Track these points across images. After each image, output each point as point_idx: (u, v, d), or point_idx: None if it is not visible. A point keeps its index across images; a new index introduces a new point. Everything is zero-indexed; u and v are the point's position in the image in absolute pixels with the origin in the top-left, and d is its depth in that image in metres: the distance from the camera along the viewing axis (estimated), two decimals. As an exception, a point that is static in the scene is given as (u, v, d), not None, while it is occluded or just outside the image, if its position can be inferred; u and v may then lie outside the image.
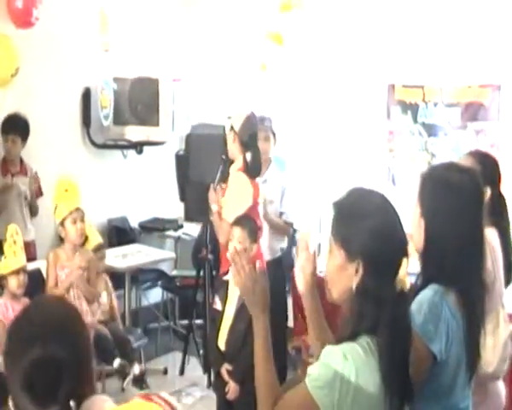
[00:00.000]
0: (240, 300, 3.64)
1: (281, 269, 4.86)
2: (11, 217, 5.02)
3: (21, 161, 5.25)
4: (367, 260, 1.75)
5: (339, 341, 1.75)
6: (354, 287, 1.76)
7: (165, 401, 1.46)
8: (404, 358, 1.75)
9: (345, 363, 1.66)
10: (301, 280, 2.05)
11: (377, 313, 1.71)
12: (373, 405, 1.69)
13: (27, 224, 5.19)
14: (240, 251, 1.95)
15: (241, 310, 3.60)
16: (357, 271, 1.75)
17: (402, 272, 1.72)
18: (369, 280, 1.74)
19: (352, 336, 1.72)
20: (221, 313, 3.73)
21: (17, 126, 5.13)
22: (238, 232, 3.73)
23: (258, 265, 1.97)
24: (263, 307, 1.91)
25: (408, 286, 1.75)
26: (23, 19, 5.12)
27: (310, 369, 1.72)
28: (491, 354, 2.75)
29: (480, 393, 2.68)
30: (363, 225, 1.75)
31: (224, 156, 4.50)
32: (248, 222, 3.88)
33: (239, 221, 3.86)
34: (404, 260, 1.73)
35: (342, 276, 1.80)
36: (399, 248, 1.76)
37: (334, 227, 1.83)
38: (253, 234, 3.81)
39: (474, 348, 2.12)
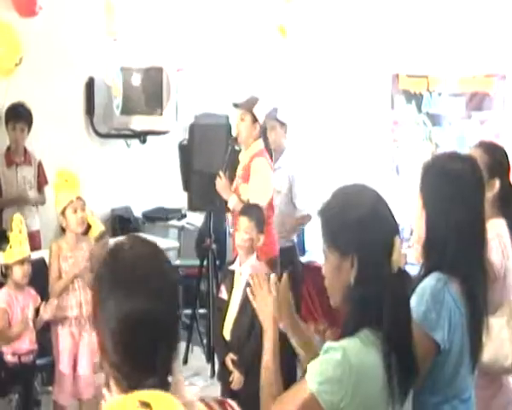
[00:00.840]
0: (245, 291, 3.63)
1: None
2: (18, 209, 4.98)
3: (25, 150, 5.24)
4: (359, 251, 1.75)
5: (342, 335, 1.74)
6: (352, 280, 1.76)
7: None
8: (406, 344, 1.75)
9: (345, 357, 1.65)
10: (278, 317, 2.02)
11: (379, 296, 1.71)
12: (375, 397, 1.69)
13: (32, 213, 5.19)
14: (258, 274, 2.03)
15: (247, 301, 3.58)
16: (352, 265, 1.75)
17: (396, 250, 1.72)
18: (366, 269, 1.74)
19: (353, 332, 1.72)
20: (227, 303, 3.71)
21: (23, 115, 5.13)
22: (245, 222, 3.71)
23: (272, 278, 2.01)
24: (273, 320, 1.95)
25: (404, 263, 1.75)
26: (27, 7, 5.12)
27: (310, 365, 1.71)
28: (507, 348, 2.74)
29: (492, 387, 2.68)
30: (348, 218, 1.76)
31: (230, 143, 4.47)
32: (256, 212, 3.85)
33: (246, 211, 3.83)
34: (396, 237, 1.73)
35: (340, 276, 1.79)
36: (389, 229, 1.76)
37: (323, 233, 1.84)
38: (261, 224, 3.79)
39: (477, 336, 2.12)
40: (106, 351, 1.32)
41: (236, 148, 6.22)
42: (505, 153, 3.05)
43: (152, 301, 1.29)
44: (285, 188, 4.98)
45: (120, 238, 1.43)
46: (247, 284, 3.51)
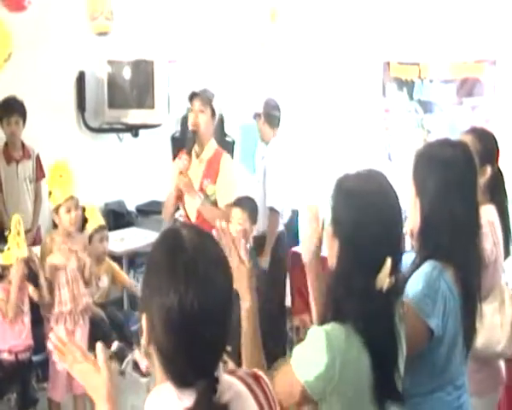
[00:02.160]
0: None
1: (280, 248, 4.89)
2: (18, 202, 5.12)
3: (23, 144, 5.23)
4: (344, 242, 1.75)
5: (321, 322, 1.75)
6: (330, 266, 1.77)
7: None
8: (383, 351, 1.72)
9: (329, 343, 1.65)
10: (306, 250, 2.08)
11: (347, 303, 1.70)
12: (361, 382, 1.69)
13: (30, 211, 5.23)
14: (225, 230, 1.89)
15: None
16: (336, 251, 1.77)
17: (384, 271, 1.68)
18: (344, 265, 1.74)
19: (333, 319, 1.71)
20: None
21: (16, 108, 5.10)
22: (238, 214, 3.70)
23: (242, 243, 1.91)
24: (248, 285, 1.87)
25: (387, 287, 1.69)
26: (16, 3, 5.10)
27: (295, 350, 1.72)
28: (499, 333, 2.76)
29: (483, 370, 2.70)
30: (354, 209, 1.74)
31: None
32: (249, 203, 3.85)
33: (239, 202, 3.82)
34: (389, 260, 1.69)
35: (330, 250, 1.81)
36: (386, 248, 1.71)
37: (331, 202, 1.82)
38: (254, 215, 3.79)
39: (471, 323, 2.13)
40: (154, 336, 1.30)
41: (228, 139, 6.25)
42: (495, 139, 3.06)
43: (211, 295, 1.27)
44: (262, 177, 5.05)
45: (174, 226, 1.40)
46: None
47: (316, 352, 1.66)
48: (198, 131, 4.11)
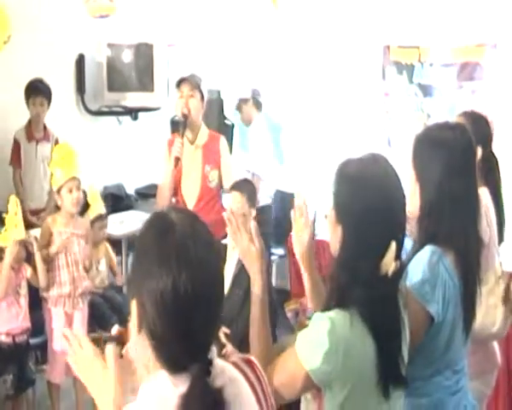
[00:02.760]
0: (238, 264, 3.64)
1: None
2: (34, 181, 5.27)
3: (45, 127, 5.35)
4: (348, 228, 1.74)
5: (325, 308, 1.74)
6: (333, 252, 1.77)
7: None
8: (388, 336, 1.72)
9: (332, 329, 1.65)
10: (298, 246, 2.06)
11: (352, 289, 1.69)
12: (365, 369, 1.69)
13: (45, 192, 5.29)
14: (235, 212, 1.93)
15: (239, 274, 3.60)
16: (339, 236, 1.75)
17: (389, 255, 1.68)
18: (348, 251, 1.74)
19: (337, 305, 1.71)
20: None
21: (42, 90, 5.23)
22: (237, 197, 3.70)
23: (252, 225, 1.92)
24: (259, 268, 1.88)
25: (392, 270, 1.69)
26: (15, -16, 5.07)
27: (299, 335, 1.72)
28: (494, 314, 2.77)
29: (478, 352, 2.71)
30: (358, 194, 1.73)
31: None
32: (247, 186, 3.85)
33: (238, 186, 3.81)
34: (393, 244, 1.68)
35: (333, 236, 1.80)
36: (390, 231, 1.71)
37: (333, 187, 1.81)
38: (253, 198, 3.78)
39: (471, 307, 2.13)
40: (146, 321, 1.29)
41: (228, 122, 6.24)
42: (487, 121, 3.06)
43: (203, 275, 1.27)
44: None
45: (162, 210, 1.38)
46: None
47: (320, 338, 1.65)
48: (189, 116, 4.09)
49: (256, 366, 1.46)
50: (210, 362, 1.29)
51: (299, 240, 2.06)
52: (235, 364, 1.43)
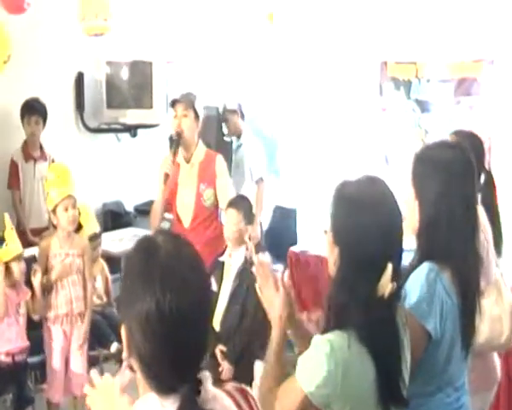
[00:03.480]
0: (235, 281, 3.64)
1: None
2: (32, 200, 5.29)
3: (41, 146, 5.37)
4: (345, 250, 1.75)
5: (324, 330, 1.74)
6: (330, 273, 1.77)
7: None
8: (387, 358, 1.72)
9: (332, 352, 1.65)
10: (276, 312, 1.92)
11: (349, 310, 1.69)
12: (364, 391, 1.69)
13: (44, 210, 5.26)
14: (264, 263, 1.95)
15: (236, 291, 3.60)
16: (336, 258, 1.76)
17: (385, 277, 1.68)
18: (345, 272, 1.74)
19: (335, 327, 1.71)
20: (216, 294, 3.72)
21: (37, 108, 5.26)
22: (233, 214, 3.70)
23: (284, 277, 1.93)
24: (280, 319, 1.88)
25: (389, 292, 1.69)
26: (15, 4, 5.10)
27: (299, 360, 1.72)
28: (500, 324, 2.77)
29: (476, 368, 2.70)
30: (355, 216, 1.73)
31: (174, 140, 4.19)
32: (243, 203, 3.85)
33: (234, 203, 3.81)
34: (389, 266, 1.68)
35: (330, 257, 1.81)
36: (385, 252, 1.71)
37: (331, 209, 1.82)
38: (248, 216, 3.79)
39: (470, 324, 2.13)
40: (135, 348, 1.30)
41: (226, 139, 6.25)
42: (480, 140, 3.08)
43: (188, 296, 1.27)
44: (244, 160, 5.76)
45: (148, 232, 1.40)
46: (238, 275, 3.55)
47: (319, 361, 1.66)
48: (182, 135, 4.12)
49: (249, 396, 1.47)
50: (199, 382, 1.29)
51: (274, 309, 1.93)
52: (227, 392, 1.43)
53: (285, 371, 1.86)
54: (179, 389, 1.25)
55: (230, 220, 3.69)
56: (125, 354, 1.33)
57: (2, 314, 3.74)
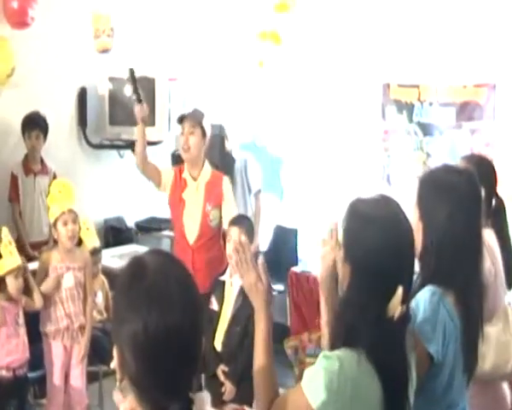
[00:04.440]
0: (237, 301, 3.63)
1: None
2: (33, 214, 5.28)
3: (42, 160, 5.37)
4: (356, 269, 1.75)
5: (332, 346, 1.74)
6: (342, 291, 1.78)
7: None
8: (395, 379, 1.72)
9: (341, 369, 1.65)
10: (321, 267, 2.03)
11: (358, 329, 1.69)
12: (370, 407, 1.68)
13: (45, 224, 5.27)
14: (244, 243, 1.93)
15: (239, 311, 3.59)
16: (347, 275, 1.77)
17: (395, 300, 1.69)
18: (355, 290, 1.74)
19: (344, 345, 1.71)
20: (218, 314, 3.72)
21: (39, 123, 5.27)
22: (236, 232, 3.71)
23: (260, 260, 1.93)
24: (265, 302, 1.88)
25: (398, 314, 1.69)
26: (19, 19, 5.12)
27: (306, 371, 1.71)
28: (507, 353, 2.76)
29: (487, 394, 2.70)
30: (368, 234, 1.73)
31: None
32: (246, 222, 3.86)
33: (237, 221, 3.82)
34: (400, 289, 1.68)
35: (341, 274, 1.82)
36: (398, 275, 1.71)
37: (343, 225, 1.82)
38: (251, 234, 3.79)
39: (472, 349, 2.13)
40: (126, 369, 1.30)
41: (229, 157, 6.27)
42: (491, 164, 3.08)
43: (175, 316, 1.27)
44: (239, 173, 5.71)
45: (140, 253, 1.40)
46: (240, 295, 3.55)
47: (327, 377, 1.64)
48: (189, 153, 4.13)
49: None
50: (191, 401, 1.29)
51: (322, 262, 2.04)
52: None
53: (272, 362, 1.84)
54: (170, 408, 1.26)
55: (233, 238, 3.69)
56: (118, 375, 1.34)
57: (1, 324, 3.72)
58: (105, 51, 5.70)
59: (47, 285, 3.87)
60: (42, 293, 3.86)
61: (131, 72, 4.15)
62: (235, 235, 3.69)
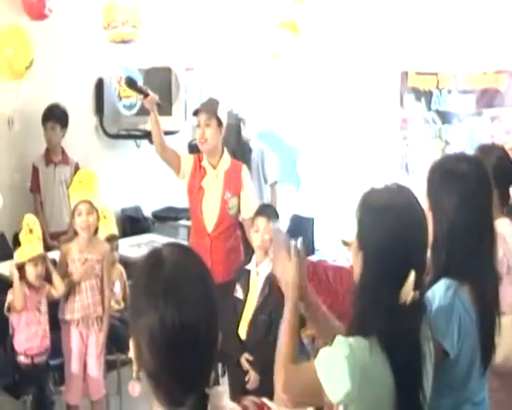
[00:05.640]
0: (264, 290, 3.61)
1: None
2: (53, 204, 5.31)
3: (63, 150, 5.40)
4: (369, 255, 1.74)
5: (347, 335, 1.74)
6: (355, 279, 1.77)
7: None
8: (407, 369, 1.71)
9: (351, 355, 1.65)
10: (286, 290, 1.95)
11: (373, 315, 1.69)
12: (382, 399, 1.68)
13: (66, 214, 5.29)
14: (280, 231, 1.99)
15: (265, 300, 3.56)
16: (361, 263, 1.76)
17: (408, 284, 1.68)
18: (369, 277, 1.74)
19: (358, 332, 1.71)
20: (243, 302, 3.69)
21: (55, 114, 5.28)
22: (264, 223, 3.65)
23: (298, 244, 1.94)
24: (292, 286, 1.90)
25: (411, 300, 1.69)
26: (37, 10, 5.15)
27: (320, 352, 1.72)
28: None
29: (500, 390, 2.65)
30: (381, 222, 1.73)
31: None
32: (273, 211, 3.82)
33: (264, 211, 3.77)
34: (412, 273, 1.68)
35: (355, 262, 1.81)
36: (410, 259, 1.71)
37: (357, 215, 1.81)
38: (277, 222, 3.76)
39: (489, 341, 2.10)
40: (142, 361, 1.31)
41: (246, 146, 6.26)
42: (504, 152, 3.04)
43: (192, 310, 1.27)
44: (255, 163, 5.75)
45: (158, 245, 1.40)
46: (267, 285, 3.53)
47: (338, 360, 1.66)
48: (207, 144, 4.16)
49: (267, 408, 1.47)
50: (206, 396, 1.29)
51: (291, 278, 1.94)
52: (244, 407, 1.43)
53: (296, 346, 1.87)
54: (186, 403, 1.25)
55: (262, 229, 3.65)
56: (135, 367, 1.33)
57: (21, 308, 3.74)
58: (126, 42, 5.68)
59: (79, 275, 3.88)
60: (64, 281, 3.88)
61: (128, 82, 4.17)
62: (262, 225, 3.65)
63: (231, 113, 5.93)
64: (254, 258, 3.71)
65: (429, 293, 2.01)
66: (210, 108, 4.20)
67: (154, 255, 1.35)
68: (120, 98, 5.88)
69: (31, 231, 3.78)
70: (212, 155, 4.22)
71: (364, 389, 1.65)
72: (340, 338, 1.71)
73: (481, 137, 5.01)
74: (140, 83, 4.31)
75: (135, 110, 5.91)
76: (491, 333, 2.10)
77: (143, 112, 5.92)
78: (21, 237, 3.78)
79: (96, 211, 3.90)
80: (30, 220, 3.81)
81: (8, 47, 5.01)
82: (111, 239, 4.48)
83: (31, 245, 3.77)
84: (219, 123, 4.19)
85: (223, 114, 4.24)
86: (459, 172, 2.10)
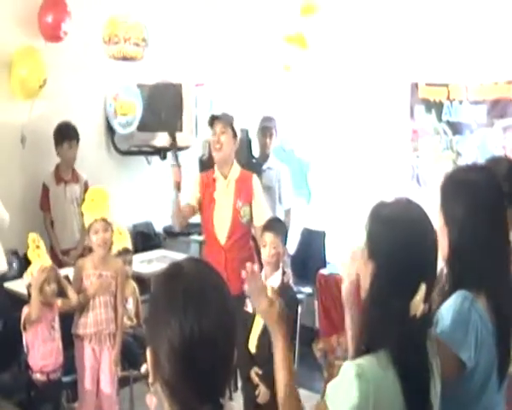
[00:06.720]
0: None
1: None
2: (64, 222, 5.33)
3: (73, 169, 5.44)
4: (379, 266, 1.73)
5: (356, 354, 1.72)
6: (364, 291, 1.76)
7: None
8: (416, 382, 1.69)
9: (362, 378, 1.62)
10: (346, 280, 2.00)
11: (382, 327, 1.68)
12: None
13: (77, 231, 5.35)
14: (256, 272, 1.92)
15: None
16: (371, 273, 1.75)
17: (418, 297, 1.67)
18: (378, 288, 1.72)
19: (368, 346, 1.69)
20: (252, 316, 3.68)
21: (71, 132, 5.34)
22: (271, 238, 3.67)
23: (269, 289, 1.93)
24: (279, 328, 1.86)
25: (420, 313, 1.68)
26: (52, 33, 5.25)
27: (328, 387, 1.70)
28: None
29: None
30: (391, 235, 1.73)
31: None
32: (280, 226, 3.83)
33: (271, 226, 3.78)
34: (423, 286, 1.67)
35: (365, 275, 1.79)
36: (421, 272, 1.70)
37: (367, 227, 1.81)
38: (285, 238, 3.77)
39: (505, 352, 2.08)
40: (159, 370, 1.32)
41: (255, 162, 6.26)
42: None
43: (210, 319, 1.29)
44: (275, 185, 5.63)
45: (178, 259, 1.43)
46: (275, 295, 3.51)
47: (348, 390, 1.63)
48: (222, 151, 4.19)
49: None
50: (221, 406, 1.30)
51: (348, 276, 1.99)
52: None
53: (293, 376, 1.85)
54: None
55: (269, 243, 3.66)
56: (150, 379, 1.35)
57: (37, 317, 3.74)
58: (128, 60, 5.70)
59: (94, 289, 3.90)
60: (79, 296, 3.90)
61: (173, 137, 4.28)
62: (269, 240, 3.66)
63: (243, 130, 5.94)
64: (263, 272, 3.71)
65: (445, 305, 2.00)
66: (226, 118, 4.27)
67: (174, 267, 1.39)
68: (116, 115, 5.88)
69: (38, 246, 3.83)
70: (224, 165, 4.26)
71: (377, 405, 1.63)
72: (347, 365, 1.69)
73: (493, 147, 4.98)
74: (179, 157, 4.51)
75: (130, 128, 5.91)
76: (508, 344, 2.08)
77: (142, 128, 5.99)
78: (29, 253, 3.83)
79: (111, 227, 3.93)
80: (34, 237, 3.87)
81: (23, 68, 5.10)
82: (124, 253, 4.50)
83: (40, 260, 3.82)
84: (234, 134, 4.24)
85: (238, 128, 4.29)
86: (469, 183, 2.10)
